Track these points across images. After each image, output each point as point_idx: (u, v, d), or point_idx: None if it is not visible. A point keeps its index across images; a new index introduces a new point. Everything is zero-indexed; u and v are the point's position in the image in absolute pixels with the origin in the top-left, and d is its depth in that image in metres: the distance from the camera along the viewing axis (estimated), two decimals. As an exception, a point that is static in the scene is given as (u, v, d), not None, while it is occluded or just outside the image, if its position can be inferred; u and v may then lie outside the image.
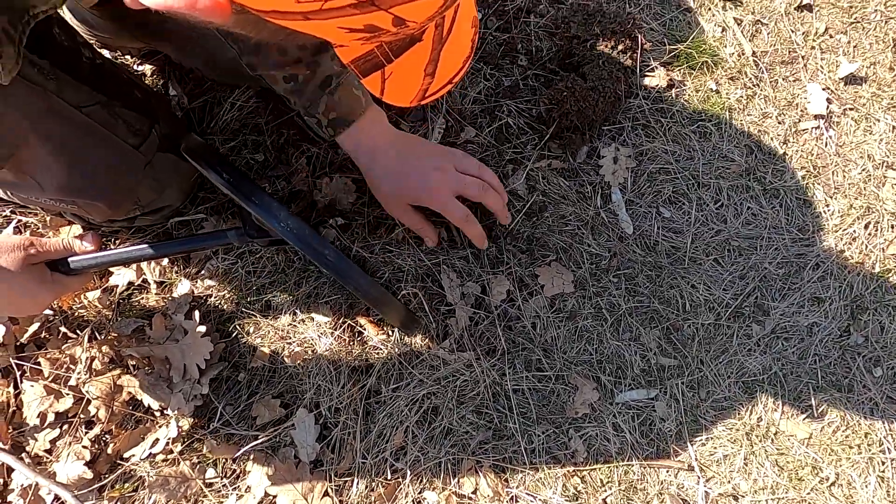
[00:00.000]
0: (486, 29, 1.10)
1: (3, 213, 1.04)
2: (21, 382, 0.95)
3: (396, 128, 0.94)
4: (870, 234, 1.02)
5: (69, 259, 0.87)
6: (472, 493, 0.93)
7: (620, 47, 1.04)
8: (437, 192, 0.91)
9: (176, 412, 0.95)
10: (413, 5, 0.41)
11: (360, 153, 0.92)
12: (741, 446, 0.94)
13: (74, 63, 0.85)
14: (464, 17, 0.54)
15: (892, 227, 1.03)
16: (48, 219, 1.03)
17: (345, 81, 0.87)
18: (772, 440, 0.95)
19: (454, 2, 0.45)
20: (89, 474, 0.89)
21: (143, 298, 1.02)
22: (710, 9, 1.12)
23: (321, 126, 0.89)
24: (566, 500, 0.91)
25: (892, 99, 1.08)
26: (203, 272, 1.03)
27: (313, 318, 1.00)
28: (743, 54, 1.09)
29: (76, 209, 0.94)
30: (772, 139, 1.06)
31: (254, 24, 0.45)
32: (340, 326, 0.99)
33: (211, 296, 1.02)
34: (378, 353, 0.97)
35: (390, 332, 0.98)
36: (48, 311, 0.99)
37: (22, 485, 0.90)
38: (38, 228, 1.03)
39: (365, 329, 0.99)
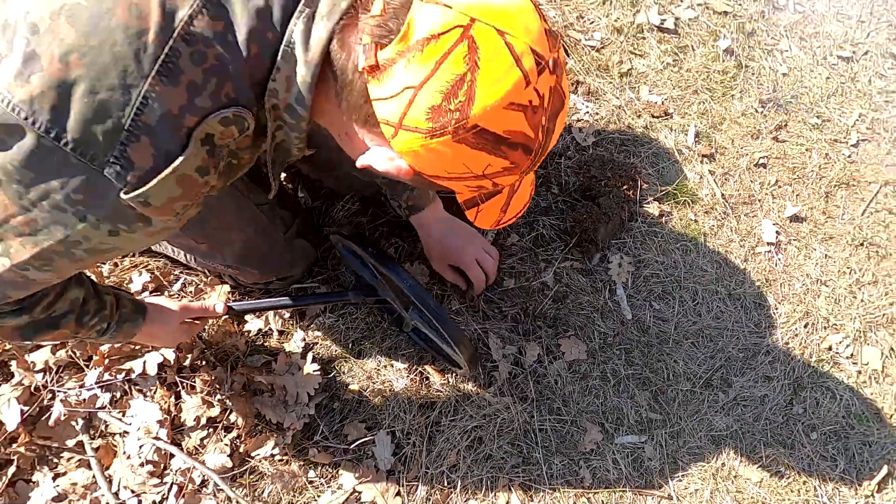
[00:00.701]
0: (530, 165, 1.53)
1: (174, 273, 1.44)
2: (181, 395, 1.30)
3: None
4: (808, 332, 1.38)
5: (233, 304, 1.26)
6: (505, 504, 1.24)
7: (625, 186, 1.46)
8: (467, 258, 1.33)
9: (290, 426, 1.29)
10: (503, 178, 0.79)
11: (422, 227, 1.34)
12: (708, 483, 1.25)
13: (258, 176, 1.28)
14: (527, 182, 0.94)
15: (825, 328, 1.38)
16: (208, 279, 1.42)
17: None
18: (732, 481, 1.26)
19: (523, 178, 0.83)
20: (230, 464, 1.23)
21: (267, 342, 1.39)
22: (691, 161, 1.54)
23: (401, 208, 1.30)
24: (575, 514, 1.22)
25: (825, 234, 1.47)
26: (313, 325, 1.40)
27: (393, 365, 1.35)
28: (715, 196, 1.50)
29: (235, 273, 1.34)
30: (735, 258, 1.44)
31: (424, 184, 0.82)
32: (413, 372, 1.34)
33: (318, 343, 1.39)
34: (440, 394, 1.32)
35: (450, 379, 1.33)
36: (202, 345, 1.36)
37: (179, 468, 1.23)
38: (199, 285, 1.42)
39: (431, 376, 1.35)
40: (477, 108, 0.66)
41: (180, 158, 0.70)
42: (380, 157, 0.76)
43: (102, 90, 0.65)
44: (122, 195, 0.69)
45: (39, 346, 1.34)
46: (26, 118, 0.64)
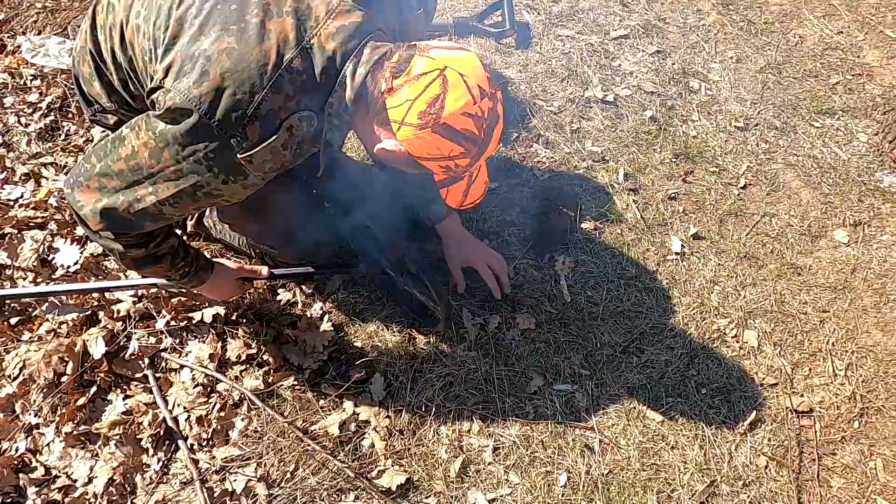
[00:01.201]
0: (500, 191, 2.03)
1: (227, 255, 1.89)
2: (226, 340, 1.72)
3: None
4: (703, 317, 1.82)
5: (274, 271, 1.70)
6: (468, 430, 1.63)
7: (569, 209, 1.95)
8: (479, 262, 1.77)
9: (307, 368, 1.70)
10: (461, 160, 1.26)
11: (446, 235, 1.79)
12: (623, 421, 1.65)
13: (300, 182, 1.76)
14: (480, 179, 1.41)
15: (716, 315, 1.83)
16: (252, 260, 1.87)
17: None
18: (640, 420, 1.66)
19: (477, 164, 1.30)
20: (262, 386, 1.63)
21: (294, 309, 1.82)
22: (620, 194, 2.05)
23: (427, 218, 1.76)
24: (520, 437, 1.61)
25: (718, 249, 1.95)
26: (329, 299, 1.84)
27: (388, 327, 1.78)
28: (637, 218, 1.99)
29: (275, 253, 1.79)
30: (650, 262, 1.91)
31: (413, 164, 1.31)
32: (403, 333, 1.77)
33: (332, 311, 1.82)
34: (423, 350, 1.74)
35: (431, 339, 1.76)
36: (245, 306, 1.79)
37: (225, 389, 1.63)
38: (245, 264, 1.87)
39: (416, 336, 1.77)
40: (446, 113, 1.14)
41: (275, 136, 1.17)
42: (389, 144, 1.23)
43: (239, 93, 1.13)
44: (238, 155, 1.16)
45: (120, 301, 1.77)
46: (195, 105, 1.13)
